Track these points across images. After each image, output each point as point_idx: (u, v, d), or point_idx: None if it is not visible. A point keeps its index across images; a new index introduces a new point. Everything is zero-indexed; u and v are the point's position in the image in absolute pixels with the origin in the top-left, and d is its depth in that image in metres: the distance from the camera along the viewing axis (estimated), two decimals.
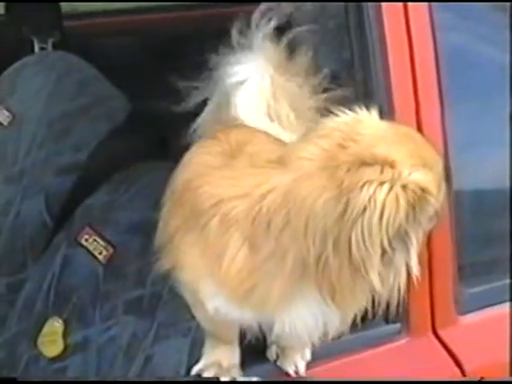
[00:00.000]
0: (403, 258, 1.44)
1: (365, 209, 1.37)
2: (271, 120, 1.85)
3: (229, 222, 1.50)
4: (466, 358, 1.86)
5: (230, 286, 1.52)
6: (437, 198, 1.48)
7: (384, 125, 1.55)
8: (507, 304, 1.95)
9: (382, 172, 1.40)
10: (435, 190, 1.47)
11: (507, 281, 1.99)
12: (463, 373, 1.85)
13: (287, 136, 1.80)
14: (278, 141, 1.73)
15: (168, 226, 1.66)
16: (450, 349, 1.86)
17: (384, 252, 1.40)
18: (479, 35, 2.32)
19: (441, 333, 1.86)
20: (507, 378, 2.00)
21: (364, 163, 1.41)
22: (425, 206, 1.44)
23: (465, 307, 1.90)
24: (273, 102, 1.84)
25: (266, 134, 1.75)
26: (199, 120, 1.91)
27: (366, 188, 1.38)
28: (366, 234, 1.37)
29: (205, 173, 1.60)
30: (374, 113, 1.55)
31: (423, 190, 1.42)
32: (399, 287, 1.46)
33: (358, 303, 1.52)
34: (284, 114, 1.85)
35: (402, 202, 1.38)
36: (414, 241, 1.44)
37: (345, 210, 1.39)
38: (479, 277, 1.96)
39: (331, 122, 1.54)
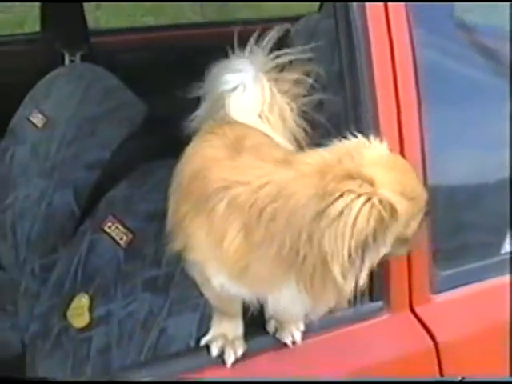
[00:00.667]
0: (359, 267, 1.41)
1: (341, 213, 1.36)
2: (262, 120, 1.79)
3: (234, 206, 1.47)
4: (438, 332, 1.81)
5: (229, 265, 1.49)
6: (405, 225, 1.47)
7: (385, 153, 1.52)
8: (475, 284, 1.92)
9: (361, 186, 1.39)
10: (405, 215, 1.44)
11: (475, 264, 1.97)
12: (436, 344, 1.80)
13: (274, 135, 1.76)
14: (267, 135, 1.72)
15: (177, 212, 1.61)
16: (424, 323, 1.82)
17: (350, 254, 1.38)
18: (447, 51, 2.27)
19: (417, 309, 1.82)
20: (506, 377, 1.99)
21: (350, 177, 1.40)
22: (391, 227, 1.42)
23: (438, 287, 1.86)
24: (266, 105, 1.79)
25: (257, 129, 1.72)
26: (194, 117, 1.86)
27: (345, 196, 1.37)
28: (338, 235, 1.36)
29: (211, 163, 1.56)
30: (383, 143, 1.53)
31: (392, 211, 1.40)
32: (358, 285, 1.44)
33: (329, 296, 1.47)
34: (274, 116, 1.79)
35: (373, 216, 1.37)
36: (370, 259, 1.42)
37: (323, 211, 1.38)
38: (450, 261, 1.91)
39: (343, 143, 1.52)
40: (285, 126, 1.80)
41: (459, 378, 1.85)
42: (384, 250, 1.45)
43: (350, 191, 1.37)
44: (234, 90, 1.77)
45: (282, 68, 1.80)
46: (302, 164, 1.47)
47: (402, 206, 1.41)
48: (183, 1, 5.88)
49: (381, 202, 1.38)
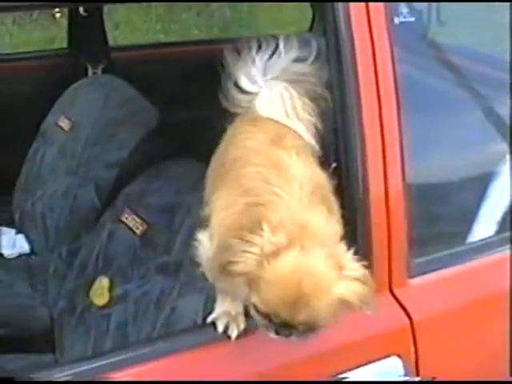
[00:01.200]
0: None
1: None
2: (289, 117, 1.72)
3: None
4: (413, 310, 1.79)
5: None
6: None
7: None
8: (445, 270, 1.89)
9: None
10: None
11: (444, 252, 1.94)
12: (411, 321, 1.78)
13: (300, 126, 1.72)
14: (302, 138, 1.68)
15: (213, 185, 1.62)
16: (401, 303, 1.80)
17: None
18: (420, 66, 2.28)
19: (395, 291, 1.80)
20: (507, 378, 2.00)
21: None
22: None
23: (413, 272, 1.84)
24: (288, 103, 1.72)
25: (294, 131, 1.68)
26: None
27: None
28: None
29: (252, 154, 1.56)
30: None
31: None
32: None
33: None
34: (300, 111, 1.73)
35: None
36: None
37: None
38: (424, 250, 1.88)
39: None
40: (310, 119, 1.74)
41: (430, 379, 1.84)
42: None
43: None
44: (256, 95, 1.74)
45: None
46: None
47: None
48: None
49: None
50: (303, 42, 1.81)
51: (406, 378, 1.78)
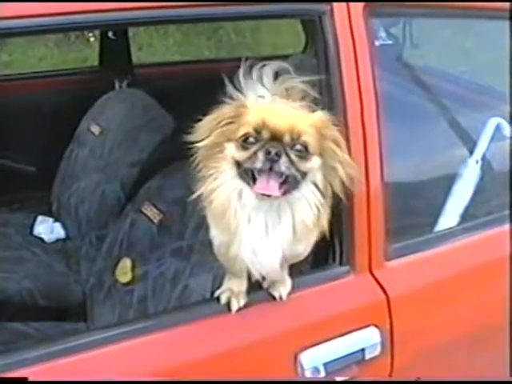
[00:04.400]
0: None
1: None
2: None
3: None
4: (389, 288, 1.78)
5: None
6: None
7: None
8: (416, 254, 1.88)
9: None
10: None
11: (416, 239, 1.93)
12: (387, 296, 1.77)
13: None
14: None
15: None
16: (380, 282, 1.78)
17: None
18: (396, 83, 2.30)
19: (375, 272, 1.79)
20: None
21: None
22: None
23: (389, 256, 1.82)
24: None
25: None
26: None
27: None
28: None
29: None
30: None
31: None
32: None
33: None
34: None
35: None
36: None
37: None
38: (398, 237, 1.86)
39: None
40: None
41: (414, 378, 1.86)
42: None
43: None
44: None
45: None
46: None
47: None
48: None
49: None
50: (297, 62, 1.79)
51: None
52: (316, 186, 1.41)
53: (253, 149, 1.35)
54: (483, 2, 1.98)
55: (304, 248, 1.51)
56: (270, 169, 1.33)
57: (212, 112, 1.44)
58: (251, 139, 1.36)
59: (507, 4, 1.98)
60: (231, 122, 1.40)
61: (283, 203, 1.40)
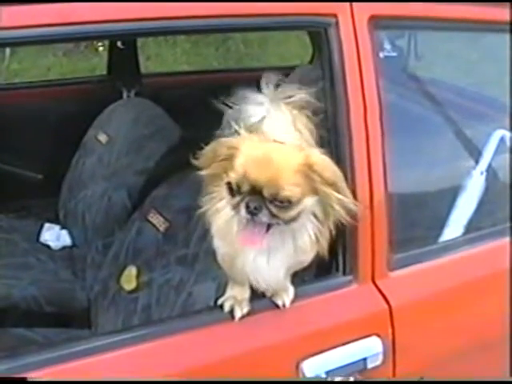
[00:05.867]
0: None
1: None
2: (294, 135, 1.63)
3: None
4: (392, 298, 1.79)
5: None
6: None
7: None
8: (419, 264, 1.89)
9: None
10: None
11: (419, 250, 1.94)
12: (389, 306, 1.78)
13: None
14: None
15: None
16: (382, 292, 1.79)
17: None
18: (401, 95, 2.30)
19: (377, 282, 1.79)
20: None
21: None
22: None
23: (392, 266, 1.83)
24: (291, 123, 1.63)
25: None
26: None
27: None
28: None
29: None
30: None
31: None
32: None
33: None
34: (302, 129, 1.64)
35: None
36: None
37: None
38: (402, 247, 1.86)
39: None
40: (312, 134, 1.65)
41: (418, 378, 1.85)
42: None
43: None
44: (262, 119, 1.63)
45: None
46: None
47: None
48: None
49: None
50: (304, 73, 1.81)
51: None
52: (315, 216, 1.43)
53: (236, 199, 1.39)
54: (486, 13, 1.99)
55: (306, 258, 1.53)
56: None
57: (214, 141, 1.48)
58: (235, 189, 1.39)
59: (507, 16, 1.99)
60: (226, 159, 1.42)
61: (284, 230, 1.43)
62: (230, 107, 1.65)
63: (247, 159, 1.38)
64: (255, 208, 1.36)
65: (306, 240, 1.45)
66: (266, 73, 1.63)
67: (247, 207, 1.37)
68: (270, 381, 1.63)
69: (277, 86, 1.64)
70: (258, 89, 1.64)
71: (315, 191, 1.40)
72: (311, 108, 1.63)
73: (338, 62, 1.67)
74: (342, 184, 1.43)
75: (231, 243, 1.47)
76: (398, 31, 2.38)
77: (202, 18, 1.54)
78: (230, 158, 1.41)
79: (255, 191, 1.36)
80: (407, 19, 1.87)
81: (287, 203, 1.37)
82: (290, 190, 1.36)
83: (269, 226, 1.40)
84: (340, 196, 1.41)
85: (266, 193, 1.36)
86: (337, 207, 1.42)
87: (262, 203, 1.36)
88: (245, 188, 1.37)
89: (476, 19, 1.99)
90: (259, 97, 1.64)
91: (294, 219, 1.41)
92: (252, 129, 1.59)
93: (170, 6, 1.49)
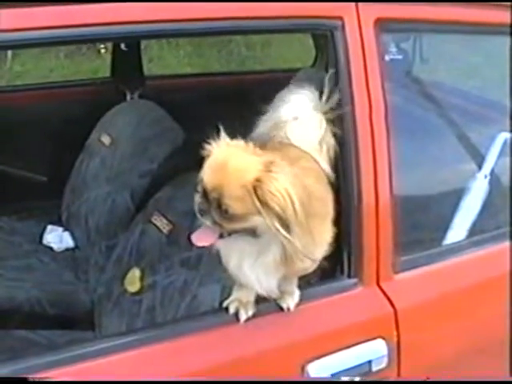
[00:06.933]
0: None
1: None
2: (316, 148, 1.63)
3: None
4: (397, 300, 1.79)
5: None
6: None
7: None
8: (424, 267, 1.89)
9: None
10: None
11: (424, 253, 1.94)
12: (394, 309, 1.77)
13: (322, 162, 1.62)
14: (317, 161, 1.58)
15: None
16: (387, 295, 1.79)
17: None
18: (405, 97, 2.30)
19: (382, 285, 1.79)
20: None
21: None
22: None
23: (398, 269, 1.83)
24: (320, 136, 1.64)
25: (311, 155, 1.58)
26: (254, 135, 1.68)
27: None
28: None
29: None
30: None
31: None
32: None
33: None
34: (323, 148, 1.64)
35: None
36: None
37: None
38: (407, 250, 1.87)
39: None
40: (328, 150, 1.65)
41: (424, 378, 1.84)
42: None
43: None
44: (295, 119, 1.65)
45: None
46: None
47: None
48: None
49: None
50: (307, 77, 1.81)
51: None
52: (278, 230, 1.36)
53: (195, 198, 1.41)
54: (490, 16, 1.99)
55: (309, 265, 1.52)
56: None
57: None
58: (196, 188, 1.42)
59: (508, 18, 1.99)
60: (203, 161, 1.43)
61: (252, 243, 1.42)
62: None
63: (209, 162, 1.40)
64: (201, 210, 1.39)
65: (270, 259, 1.43)
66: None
67: (196, 208, 1.40)
68: (274, 381, 1.63)
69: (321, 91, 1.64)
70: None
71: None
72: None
73: (344, 65, 1.67)
74: (293, 222, 1.33)
75: (224, 246, 1.48)
76: (403, 34, 2.38)
77: (205, 21, 1.54)
78: (204, 160, 1.43)
79: (205, 194, 1.38)
80: (413, 22, 1.88)
81: (228, 214, 1.36)
82: (230, 201, 1.34)
83: (222, 234, 1.40)
84: (284, 233, 1.34)
85: (210, 197, 1.36)
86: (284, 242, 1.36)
87: (208, 208, 1.37)
88: (199, 189, 1.40)
89: (480, 22, 1.99)
90: (301, 98, 1.63)
91: (247, 232, 1.39)
92: (280, 127, 1.61)
93: (173, 8, 1.49)
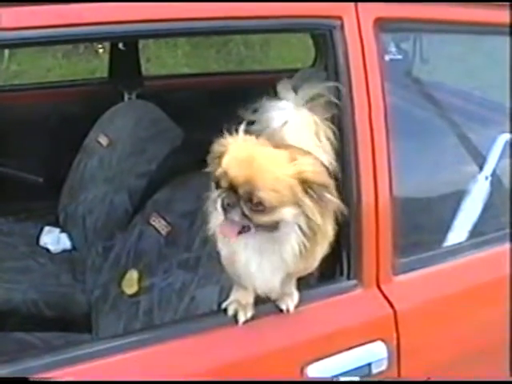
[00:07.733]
0: None
1: None
2: (314, 143, 1.65)
3: None
4: (397, 302, 1.79)
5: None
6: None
7: None
8: (424, 269, 1.89)
9: None
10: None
11: (424, 254, 1.94)
12: (394, 311, 1.78)
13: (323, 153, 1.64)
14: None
15: None
16: (387, 297, 1.79)
17: None
18: (405, 98, 2.30)
19: (382, 287, 1.80)
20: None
21: None
22: None
23: (397, 271, 1.83)
24: (313, 131, 1.64)
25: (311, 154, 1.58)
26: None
27: None
28: None
29: None
30: None
31: None
32: None
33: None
34: (322, 138, 1.65)
35: None
36: None
37: None
38: (407, 251, 1.87)
39: None
40: (331, 143, 1.66)
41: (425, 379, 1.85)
42: None
43: None
44: (284, 124, 1.64)
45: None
46: None
47: None
48: None
49: None
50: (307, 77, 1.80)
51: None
52: (301, 229, 1.41)
53: (215, 194, 1.41)
54: (490, 16, 1.99)
55: (310, 265, 1.53)
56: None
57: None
58: (216, 184, 1.42)
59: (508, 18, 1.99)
60: (218, 157, 1.44)
61: (269, 238, 1.43)
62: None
63: (232, 157, 1.40)
64: (228, 204, 1.38)
65: (289, 252, 1.44)
66: (283, 79, 1.64)
67: (222, 203, 1.38)
68: (274, 381, 1.63)
69: (295, 90, 1.64)
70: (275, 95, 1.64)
71: (297, 204, 1.38)
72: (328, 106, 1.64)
73: (343, 65, 1.67)
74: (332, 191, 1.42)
75: (228, 244, 1.49)
76: (403, 34, 2.39)
77: (204, 20, 1.54)
78: (220, 156, 1.43)
79: (232, 188, 1.38)
80: (413, 21, 1.88)
81: (261, 206, 1.37)
82: (265, 193, 1.35)
83: (244, 228, 1.40)
84: (319, 219, 1.40)
85: (241, 191, 1.37)
86: (319, 220, 1.40)
87: (236, 201, 1.37)
88: (224, 184, 1.39)
89: (481, 22, 1.99)
90: (282, 103, 1.63)
91: (269, 227, 1.40)
92: (273, 134, 1.59)
93: (172, 7, 1.49)
